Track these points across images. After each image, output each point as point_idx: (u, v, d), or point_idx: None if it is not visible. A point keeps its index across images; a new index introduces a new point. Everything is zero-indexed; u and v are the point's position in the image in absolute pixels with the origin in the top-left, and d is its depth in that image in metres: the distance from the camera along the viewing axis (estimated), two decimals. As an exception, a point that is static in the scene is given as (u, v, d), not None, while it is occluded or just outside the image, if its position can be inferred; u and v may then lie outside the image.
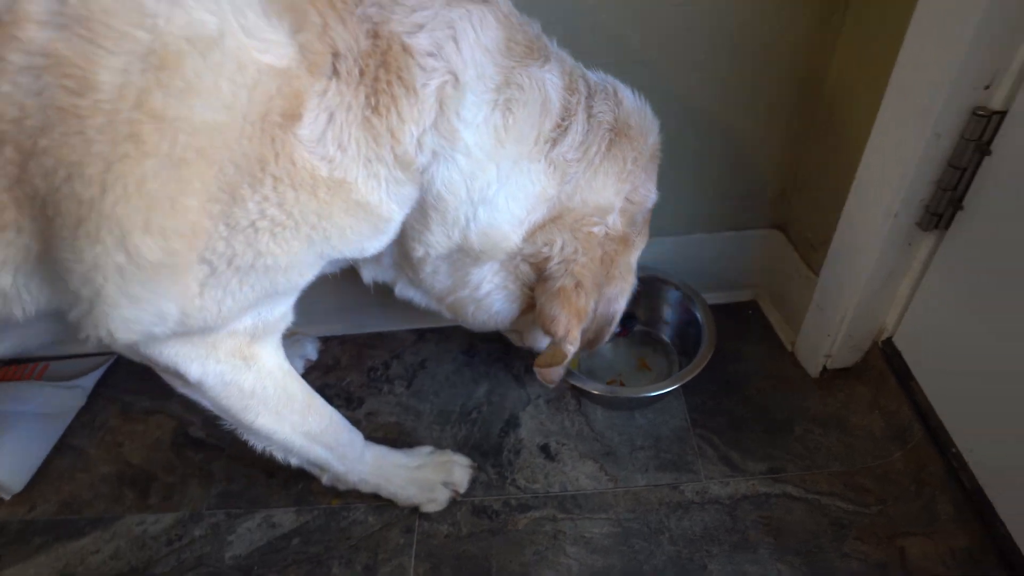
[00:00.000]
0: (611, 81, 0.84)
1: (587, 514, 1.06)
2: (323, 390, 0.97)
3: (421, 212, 0.74)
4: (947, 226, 0.95)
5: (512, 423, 1.21)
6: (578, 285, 0.83)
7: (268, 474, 1.16)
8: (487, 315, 0.94)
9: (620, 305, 0.95)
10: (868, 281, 1.05)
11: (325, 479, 1.06)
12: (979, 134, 0.83)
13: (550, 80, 0.73)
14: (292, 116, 0.58)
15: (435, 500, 1.06)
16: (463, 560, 1.01)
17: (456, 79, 0.65)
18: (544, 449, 1.16)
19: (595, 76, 0.83)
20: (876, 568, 0.97)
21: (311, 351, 1.37)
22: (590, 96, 0.79)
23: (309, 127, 0.60)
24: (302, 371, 1.32)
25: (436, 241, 0.77)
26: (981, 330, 0.92)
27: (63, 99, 0.50)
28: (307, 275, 0.73)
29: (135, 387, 1.38)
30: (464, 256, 0.81)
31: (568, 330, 0.83)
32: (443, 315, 0.99)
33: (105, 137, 0.52)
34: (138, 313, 0.63)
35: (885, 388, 1.15)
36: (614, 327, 0.98)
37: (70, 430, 1.30)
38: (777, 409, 1.21)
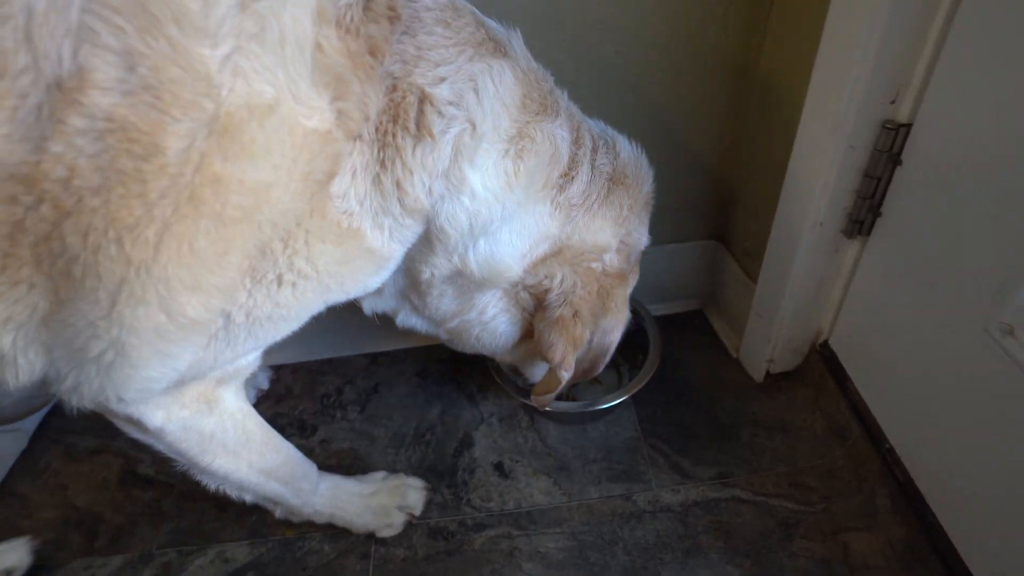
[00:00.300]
0: (611, 133, 0.90)
1: (542, 529, 1.07)
2: (275, 419, 0.97)
3: (427, 240, 0.77)
4: (868, 232, 1.00)
5: (466, 443, 1.22)
6: (576, 315, 0.88)
7: (220, 508, 1.14)
8: (491, 337, 0.96)
9: (615, 336, 0.99)
10: (801, 287, 1.10)
11: (279, 513, 1.05)
12: (889, 145, 0.88)
13: (560, 134, 0.78)
14: (330, 175, 0.62)
15: (391, 525, 1.06)
16: (420, 583, 1.01)
17: (474, 128, 0.68)
18: (498, 467, 1.17)
19: (596, 127, 0.89)
20: (822, 565, 1.00)
21: (262, 380, 1.36)
22: (594, 149, 0.85)
23: (338, 184, 0.64)
24: (254, 400, 1.31)
25: (439, 263, 0.80)
26: (905, 329, 0.97)
27: (126, 163, 0.50)
28: (304, 322, 0.75)
29: (79, 427, 1.34)
30: (468, 282, 0.84)
31: (564, 357, 0.88)
32: (444, 340, 1.02)
33: (167, 200, 0.53)
34: (161, 371, 0.64)
35: (824, 389, 1.20)
36: (608, 357, 1.01)
37: (11, 476, 1.26)
38: (724, 415, 1.24)
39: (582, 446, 1.20)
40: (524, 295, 0.90)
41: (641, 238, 0.95)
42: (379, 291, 0.89)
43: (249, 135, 0.54)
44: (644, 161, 0.92)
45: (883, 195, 0.94)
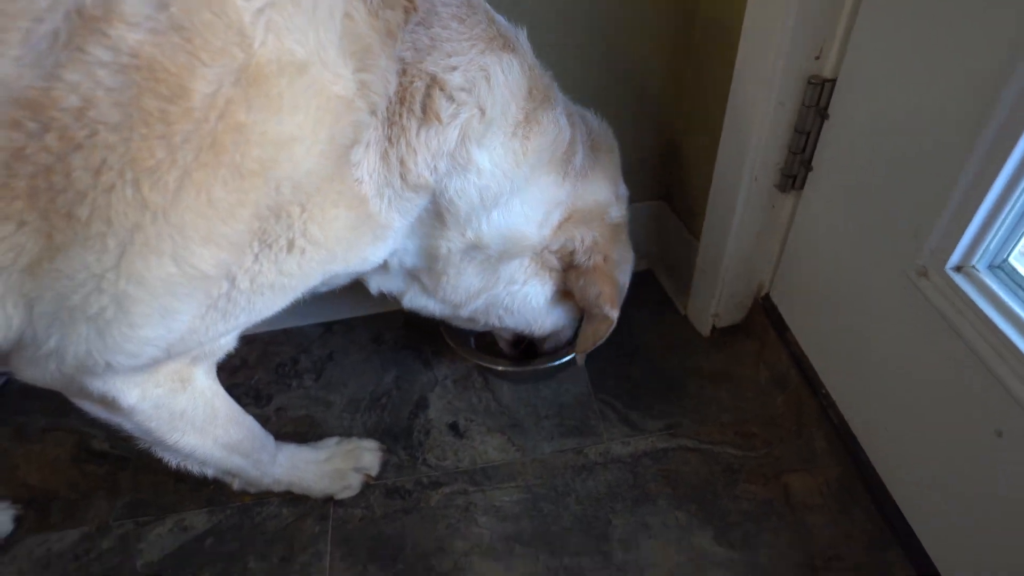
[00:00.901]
0: (580, 109, 0.95)
1: (496, 484, 1.10)
2: (232, 390, 0.96)
3: (438, 215, 0.80)
4: (801, 187, 1.03)
5: (421, 405, 1.24)
6: (607, 259, 0.97)
7: (177, 479, 1.15)
8: (522, 305, 1.01)
9: (628, 276, 1.09)
10: (741, 242, 1.13)
11: (236, 484, 1.06)
12: (816, 100, 0.91)
13: (561, 120, 0.84)
14: (352, 142, 0.64)
15: (348, 487, 1.08)
16: (378, 541, 1.04)
17: (483, 113, 0.72)
18: (453, 427, 1.19)
19: (574, 107, 0.94)
20: (763, 505, 1.05)
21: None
22: (580, 126, 0.92)
23: (356, 154, 0.66)
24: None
25: (453, 237, 0.84)
26: (837, 278, 1.01)
27: (150, 102, 0.49)
28: (297, 296, 0.75)
29: (28, 407, 1.32)
30: (488, 256, 0.89)
31: (611, 297, 0.97)
32: (458, 322, 1.07)
33: (190, 145, 0.52)
34: (158, 333, 0.62)
35: (767, 341, 1.24)
36: (623, 296, 1.07)
37: (-41, 458, 1.24)
38: (672, 369, 1.28)
39: (535, 404, 1.23)
40: (552, 258, 0.96)
41: (625, 190, 1.04)
42: (385, 269, 0.91)
43: (277, 90, 0.54)
44: (609, 128, 1.00)
45: (813, 149, 0.98)
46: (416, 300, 0.98)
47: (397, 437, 1.18)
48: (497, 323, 1.03)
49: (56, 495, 1.16)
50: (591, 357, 1.26)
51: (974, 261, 0.76)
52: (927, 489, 0.89)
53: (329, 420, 1.22)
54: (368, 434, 1.18)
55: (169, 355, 0.69)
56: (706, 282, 1.26)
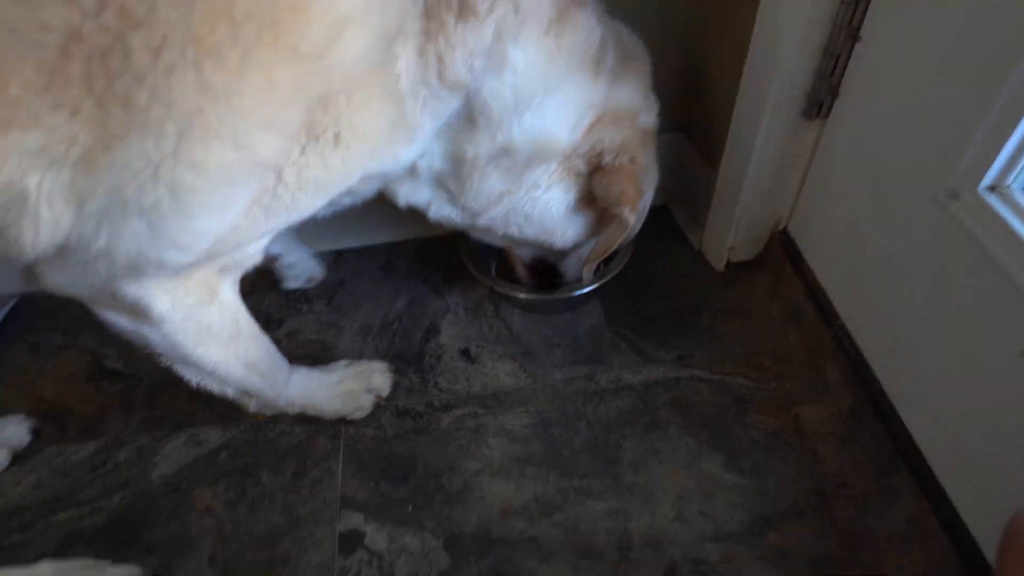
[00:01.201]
0: (610, 19, 0.92)
1: (507, 408, 1.10)
2: (242, 313, 0.97)
3: (469, 118, 0.79)
4: (827, 114, 1.00)
5: (432, 331, 1.24)
6: (633, 160, 0.93)
7: (190, 397, 1.15)
8: (543, 212, 0.97)
9: (651, 194, 1.06)
10: (761, 173, 1.11)
11: (253, 406, 1.05)
12: (848, 20, 0.87)
13: (592, 19, 0.82)
14: (398, 32, 0.62)
15: (360, 407, 1.09)
16: (390, 459, 1.05)
17: (517, 9, 0.70)
18: (464, 353, 1.20)
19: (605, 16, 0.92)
20: (773, 435, 1.05)
21: (316, 268, 1.33)
22: (614, 33, 0.89)
23: (400, 47, 0.64)
24: (305, 287, 1.32)
25: (483, 141, 0.82)
26: (861, 207, 0.99)
27: None
28: (337, 193, 0.74)
29: (43, 324, 1.33)
30: (515, 161, 0.87)
31: (633, 200, 0.94)
32: (476, 232, 1.05)
33: (251, 24, 0.50)
34: (211, 225, 0.62)
35: (783, 275, 1.23)
36: (644, 211, 1.05)
37: (-25, 373, 1.26)
38: (686, 303, 1.27)
39: (547, 334, 1.22)
40: (578, 162, 0.93)
41: (655, 100, 1.00)
42: (413, 176, 0.89)
43: None
44: (640, 39, 0.96)
45: (842, 73, 0.94)
46: (442, 210, 0.96)
47: (408, 361, 1.18)
48: (516, 233, 1.00)
49: (71, 410, 1.17)
50: (605, 292, 1.25)
51: (1009, 181, 0.74)
52: (942, 415, 0.89)
53: (340, 344, 1.22)
54: (379, 358, 1.18)
55: (210, 256, 0.69)
56: (723, 216, 1.24)
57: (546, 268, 1.22)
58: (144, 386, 1.20)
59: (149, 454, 1.09)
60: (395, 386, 1.14)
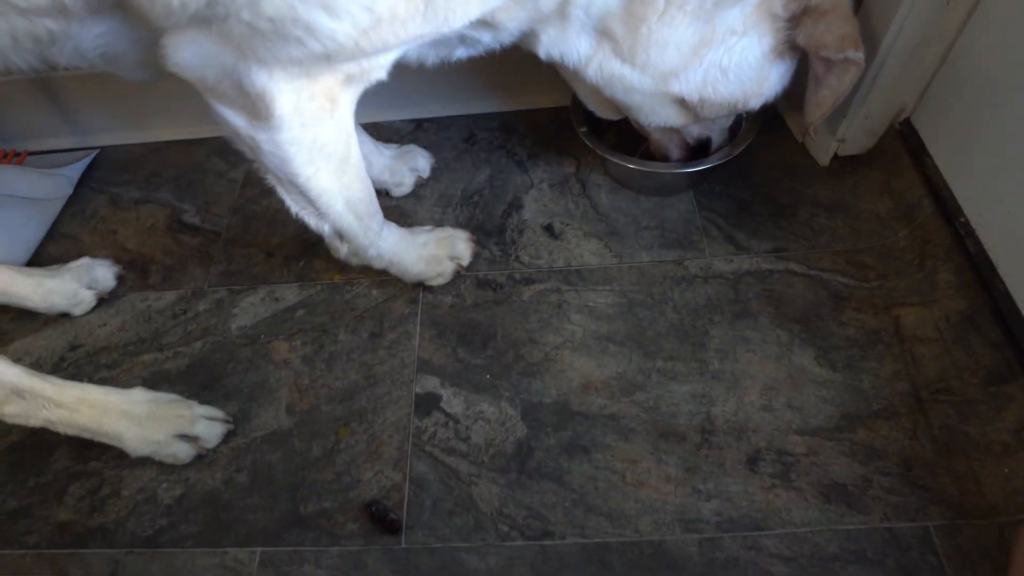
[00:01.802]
0: None
1: (591, 286, 1.06)
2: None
3: None
4: (989, -26, 0.87)
5: (515, 205, 1.19)
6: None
7: (268, 254, 1.15)
8: (739, 68, 0.84)
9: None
10: (896, 54, 0.98)
11: (343, 252, 1.01)
12: None
13: None
14: None
15: (441, 274, 1.06)
16: (469, 327, 1.03)
17: None
18: (548, 229, 1.15)
19: None
20: (871, 334, 0.99)
21: (424, 166, 1.25)
22: None
23: None
24: (411, 188, 1.24)
25: None
26: (1009, 90, 0.87)
27: None
28: (485, 10, 0.69)
29: (122, 179, 1.33)
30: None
31: (856, 40, 0.83)
32: (641, 105, 0.92)
33: None
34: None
35: (898, 170, 1.12)
36: None
37: (60, 219, 1.27)
38: (784, 195, 1.18)
39: (634, 215, 1.16)
40: (775, 3, 0.80)
41: None
42: (564, 18, 0.78)
43: None
44: None
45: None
46: (607, 66, 0.83)
47: (490, 233, 1.14)
48: (711, 95, 0.86)
49: (153, 260, 1.18)
50: (694, 174, 1.17)
51: None
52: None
53: (420, 212, 1.19)
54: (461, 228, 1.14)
55: (352, 50, 0.65)
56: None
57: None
58: (221, 241, 1.19)
59: (228, 306, 1.09)
60: (475, 257, 1.10)
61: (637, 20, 0.76)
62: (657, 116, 0.95)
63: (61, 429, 0.87)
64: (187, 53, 0.64)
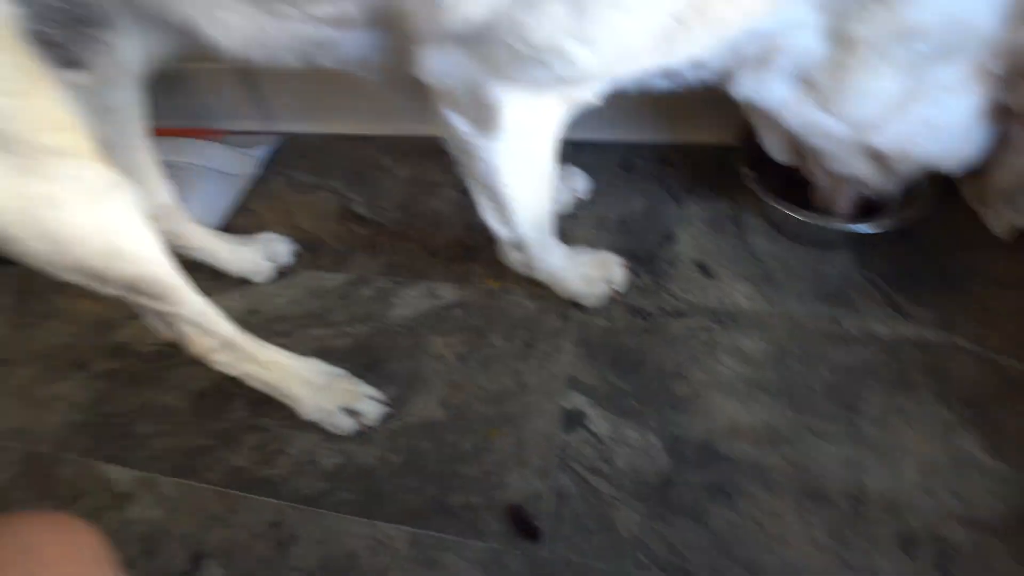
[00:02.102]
0: None
1: (742, 329, 1.06)
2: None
3: None
4: None
5: (668, 237, 1.20)
6: None
7: (430, 252, 1.22)
8: (948, 126, 0.81)
9: None
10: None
11: (515, 258, 1.05)
12: None
13: None
14: None
15: (596, 295, 1.09)
16: (619, 351, 1.05)
17: None
18: (700, 265, 1.15)
19: None
20: (1050, 433, 0.93)
21: (582, 185, 1.28)
22: None
23: None
24: (570, 208, 1.28)
25: (881, 16, 0.68)
26: None
27: None
28: (715, 44, 0.70)
29: (301, 165, 1.45)
30: (919, 47, 0.71)
31: None
32: (835, 153, 0.89)
33: None
34: (625, 24, 0.63)
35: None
36: None
37: (247, 195, 1.39)
38: (954, 265, 1.13)
39: (790, 263, 1.14)
40: (994, 62, 0.73)
41: None
42: (765, 62, 0.78)
43: None
44: None
45: None
46: (804, 112, 0.82)
47: (641, 262, 1.16)
48: (912, 151, 0.83)
49: (324, 243, 1.28)
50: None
51: None
52: None
53: (575, 231, 1.22)
54: (612, 252, 1.16)
55: (596, 70, 0.69)
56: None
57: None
58: (386, 233, 1.27)
59: (390, 296, 1.17)
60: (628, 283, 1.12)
61: (842, 70, 0.76)
62: (847, 166, 0.93)
63: (252, 382, 0.98)
64: (439, 63, 0.71)
